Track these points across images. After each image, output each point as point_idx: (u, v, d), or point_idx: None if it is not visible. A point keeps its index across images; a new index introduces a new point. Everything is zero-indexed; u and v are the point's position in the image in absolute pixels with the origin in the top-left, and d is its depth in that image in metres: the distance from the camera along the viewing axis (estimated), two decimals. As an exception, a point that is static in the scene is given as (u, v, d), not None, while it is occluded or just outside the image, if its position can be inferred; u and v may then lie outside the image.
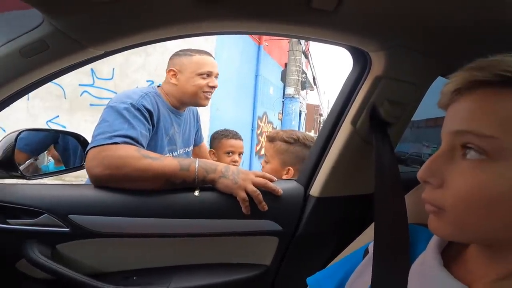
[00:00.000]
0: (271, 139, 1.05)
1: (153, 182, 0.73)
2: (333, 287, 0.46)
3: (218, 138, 1.45)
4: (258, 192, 0.74)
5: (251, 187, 0.74)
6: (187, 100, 1.11)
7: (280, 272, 0.82)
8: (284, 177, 1.00)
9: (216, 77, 1.13)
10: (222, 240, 0.77)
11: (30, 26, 0.56)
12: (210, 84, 1.10)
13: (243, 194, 0.73)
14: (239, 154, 1.47)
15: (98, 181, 0.73)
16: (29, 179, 0.81)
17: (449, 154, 0.33)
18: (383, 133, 0.64)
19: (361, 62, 0.71)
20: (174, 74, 1.10)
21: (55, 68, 0.61)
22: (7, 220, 0.68)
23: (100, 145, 0.73)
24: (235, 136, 1.48)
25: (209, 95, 1.12)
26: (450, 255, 0.37)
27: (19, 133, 0.80)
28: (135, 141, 0.79)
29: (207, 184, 0.75)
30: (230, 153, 1.43)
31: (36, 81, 0.63)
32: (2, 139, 0.81)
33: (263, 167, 1.07)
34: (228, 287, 0.77)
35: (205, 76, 1.09)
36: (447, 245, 0.38)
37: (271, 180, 0.78)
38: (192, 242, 0.76)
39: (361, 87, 0.71)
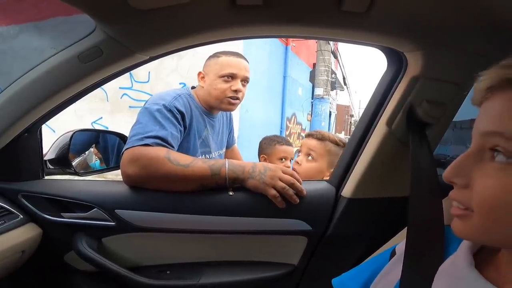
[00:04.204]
0: (321, 137, 1.04)
1: (184, 185, 0.75)
2: None
3: (271, 144, 1.46)
4: (287, 187, 0.74)
5: (280, 184, 0.74)
6: (213, 105, 1.04)
7: (307, 272, 0.82)
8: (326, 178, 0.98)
9: (243, 80, 1.04)
10: (252, 238, 0.79)
11: (79, 31, 0.60)
12: (233, 88, 1.01)
13: (273, 192, 0.74)
14: (290, 160, 1.48)
15: (130, 181, 0.76)
16: (81, 176, 0.90)
17: (477, 155, 0.32)
18: (420, 134, 0.62)
19: (396, 62, 0.69)
20: (203, 77, 1.06)
21: (107, 73, 0.67)
22: (61, 213, 0.75)
23: (133, 146, 0.76)
24: (287, 142, 1.50)
25: (234, 100, 1.03)
26: (483, 257, 0.36)
27: (73, 134, 0.89)
28: (165, 141, 0.80)
29: (237, 184, 0.77)
30: (283, 159, 1.44)
31: (91, 85, 0.69)
32: (57, 139, 0.91)
33: (300, 164, 1.03)
34: (255, 285, 0.78)
35: (227, 78, 1.01)
36: (481, 247, 0.37)
37: (298, 181, 0.78)
38: (223, 239, 0.79)
39: (396, 87, 0.70)
